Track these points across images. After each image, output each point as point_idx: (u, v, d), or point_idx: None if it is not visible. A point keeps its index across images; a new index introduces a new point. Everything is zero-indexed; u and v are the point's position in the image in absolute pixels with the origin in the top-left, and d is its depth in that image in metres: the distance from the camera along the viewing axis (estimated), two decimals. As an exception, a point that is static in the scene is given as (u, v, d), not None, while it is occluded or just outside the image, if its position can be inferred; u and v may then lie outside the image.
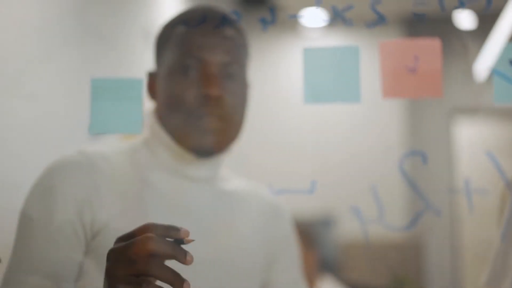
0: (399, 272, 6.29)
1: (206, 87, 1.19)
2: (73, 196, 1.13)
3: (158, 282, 0.87)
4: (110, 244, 1.11)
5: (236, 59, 1.25)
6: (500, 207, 1.24)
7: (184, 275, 1.16)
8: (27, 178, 2.69)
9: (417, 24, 6.61)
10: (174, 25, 1.28)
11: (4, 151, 2.56)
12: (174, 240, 0.83)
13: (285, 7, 5.96)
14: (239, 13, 1.26)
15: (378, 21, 0.78)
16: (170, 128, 1.23)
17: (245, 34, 1.30)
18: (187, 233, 0.85)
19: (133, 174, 1.20)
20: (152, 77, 1.29)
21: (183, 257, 0.83)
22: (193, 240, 0.82)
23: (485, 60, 6.29)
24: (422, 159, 1.61)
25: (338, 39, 6.63)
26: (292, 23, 6.49)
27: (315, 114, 6.61)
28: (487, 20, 6.36)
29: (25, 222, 1.15)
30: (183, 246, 0.85)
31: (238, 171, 1.46)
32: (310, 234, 3.38)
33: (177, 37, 1.24)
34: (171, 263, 0.86)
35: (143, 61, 4.21)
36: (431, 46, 0.78)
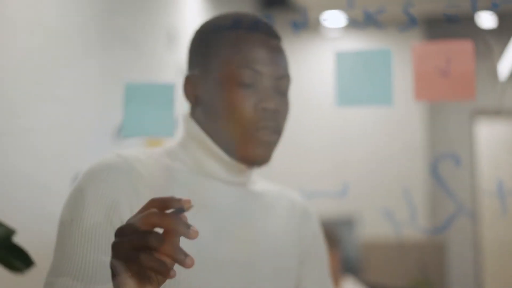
0: (421, 273, 6.25)
1: (265, 101, 1.21)
2: (107, 198, 1.13)
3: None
4: None
5: (287, 72, 1.27)
6: None
7: (221, 274, 1.17)
8: (54, 179, 2.73)
9: (439, 25, 6.57)
10: (221, 29, 1.26)
11: (32, 153, 2.58)
12: (176, 210, 0.82)
13: (306, 9, 5.94)
14: (272, 18, 1.27)
15: (409, 24, 0.77)
16: (220, 136, 1.23)
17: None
18: (188, 202, 0.84)
19: (169, 177, 1.21)
20: (191, 80, 1.26)
21: (186, 230, 0.82)
22: (192, 206, 0.81)
23: (509, 60, 6.24)
24: (455, 162, 1.59)
25: (362, 41, 6.61)
26: (315, 24, 6.48)
27: (342, 116, 6.60)
28: (510, 20, 6.31)
29: (60, 225, 1.17)
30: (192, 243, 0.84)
31: (268, 174, 1.47)
32: (333, 234, 3.38)
33: (229, 44, 1.23)
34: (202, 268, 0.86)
35: (167, 63, 4.23)
36: (463, 48, 0.77)
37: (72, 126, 2.91)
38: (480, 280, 6.73)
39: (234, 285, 1.19)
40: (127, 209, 1.14)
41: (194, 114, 1.27)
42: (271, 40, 1.26)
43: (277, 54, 1.26)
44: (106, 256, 1.11)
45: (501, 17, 6.29)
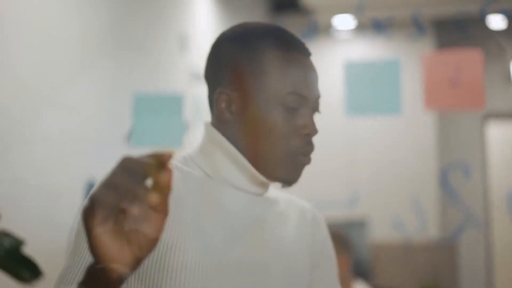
0: (431, 276, 6.23)
1: (308, 127, 1.23)
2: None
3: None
4: (151, 257, 1.13)
5: (319, 91, 1.29)
6: None
7: (235, 278, 1.18)
8: (64, 188, 2.73)
9: (450, 28, 6.55)
10: (259, 46, 1.25)
11: (42, 162, 2.59)
12: (158, 163, 0.81)
13: (316, 13, 5.94)
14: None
15: (418, 31, 0.77)
16: (254, 154, 1.24)
17: None
18: (172, 152, 0.83)
19: (184, 181, 1.21)
20: (227, 96, 1.24)
21: (142, 192, 0.81)
22: (174, 154, 0.80)
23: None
24: (465, 172, 1.59)
25: (372, 45, 6.60)
26: (325, 28, 6.48)
27: (353, 120, 6.59)
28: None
29: (73, 234, 1.17)
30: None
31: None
32: (345, 238, 3.38)
33: (273, 66, 1.23)
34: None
35: (179, 68, 4.24)
36: (472, 57, 0.77)
37: (82, 135, 2.91)
38: (491, 283, 6.71)
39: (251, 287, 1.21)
40: None
41: (219, 126, 1.27)
42: (307, 60, 1.27)
43: (314, 75, 1.27)
44: None
45: (511, 19, 6.26)
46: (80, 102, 2.89)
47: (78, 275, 1.10)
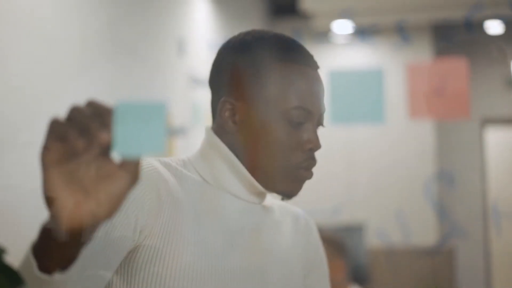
0: (430, 280, 6.23)
1: (311, 142, 1.23)
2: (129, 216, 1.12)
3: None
4: (141, 262, 1.13)
5: (325, 106, 1.27)
6: None
7: (232, 284, 1.18)
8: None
9: (449, 32, 6.55)
10: (266, 56, 1.23)
11: (36, 168, 2.58)
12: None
13: (313, 17, 5.95)
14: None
15: (402, 40, 0.76)
16: (254, 164, 1.23)
17: None
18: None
19: (183, 186, 1.21)
20: (231, 105, 1.23)
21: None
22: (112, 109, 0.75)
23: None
24: (449, 182, 1.59)
25: (368, 50, 6.60)
26: (323, 32, 6.48)
27: (351, 128, 6.59)
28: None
29: None
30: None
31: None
32: (340, 242, 3.37)
33: (280, 78, 1.21)
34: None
35: (177, 73, 4.23)
36: (457, 66, 0.78)
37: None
38: (490, 287, 6.71)
39: None
40: (149, 215, 1.13)
41: (221, 133, 1.26)
42: (315, 73, 1.26)
43: (321, 88, 1.26)
44: (104, 271, 1.10)
45: (508, 24, 6.26)
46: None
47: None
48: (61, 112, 0.84)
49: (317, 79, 1.25)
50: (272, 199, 1.40)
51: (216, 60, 1.30)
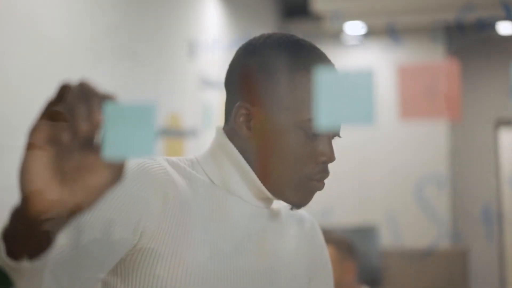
0: (442, 283, 6.19)
1: (326, 155, 1.22)
2: (131, 213, 1.11)
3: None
4: (144, 265, 1.13)
5: None
6: None
7: (239, 286, 1.18)
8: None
9: (461, 33, 6.52)
10: (288, 64, 1.21)
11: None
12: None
13: (326, 18, 5.94)
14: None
15: (393, 41, 0.76)
16: (266, 172, 1.22)
17: None
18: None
19: (192, 187, 1.21)
20: (247, 111, 1.22)
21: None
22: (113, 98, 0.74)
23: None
24: (438, 185, 1.58)
25: (381, 50, 6.58)
26: (335, 34, 6.47)
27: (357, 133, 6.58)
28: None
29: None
30: None
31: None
32: (350, 244, 3.36)
33: (299, 88, 1.19)
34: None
35: (188, 75, 4.24)
36: (449, 69, 0.77)
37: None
38: (503, 285, 6.66)
39: None
40: (153, 217, 1.13)
41: (232, 136, 1.24)
42: None
43: None
44: (97, 270, 1.10)
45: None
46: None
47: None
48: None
49: None
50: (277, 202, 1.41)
51: (234, 61, 1.27)
